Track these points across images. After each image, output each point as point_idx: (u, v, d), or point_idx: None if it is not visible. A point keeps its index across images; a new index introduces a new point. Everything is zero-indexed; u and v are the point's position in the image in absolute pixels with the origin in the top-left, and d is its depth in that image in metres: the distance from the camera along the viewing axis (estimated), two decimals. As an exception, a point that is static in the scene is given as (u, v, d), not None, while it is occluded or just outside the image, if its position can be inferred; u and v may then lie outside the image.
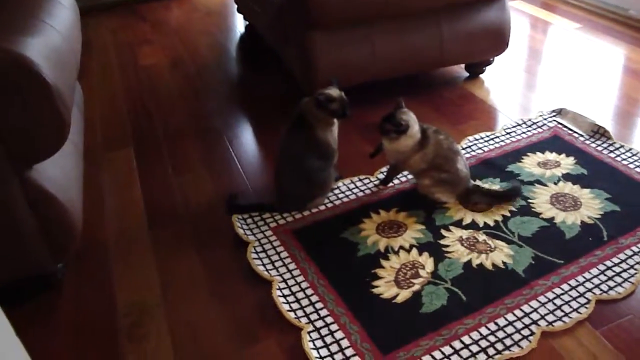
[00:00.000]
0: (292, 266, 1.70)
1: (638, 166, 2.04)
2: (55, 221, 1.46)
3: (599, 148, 2.16)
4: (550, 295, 1.55)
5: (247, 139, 2.44)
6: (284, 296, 1.59)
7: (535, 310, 1.50)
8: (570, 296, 1.54)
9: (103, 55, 3.33)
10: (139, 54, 3.30)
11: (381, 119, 1.84)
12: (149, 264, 1.77)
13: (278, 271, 1.68)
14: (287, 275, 1.66)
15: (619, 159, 2.08)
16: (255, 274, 1.68)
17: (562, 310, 1.50)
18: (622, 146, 2.15)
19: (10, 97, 1.28)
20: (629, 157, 2.09)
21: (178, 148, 2.36)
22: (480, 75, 2.80)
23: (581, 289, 1.56)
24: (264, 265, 1.70)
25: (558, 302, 1.52)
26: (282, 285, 1.63)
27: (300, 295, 1.60)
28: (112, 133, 2.51)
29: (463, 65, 2.81)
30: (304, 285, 1.63)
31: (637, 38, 3.13)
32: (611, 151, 2.13)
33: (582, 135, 2.24)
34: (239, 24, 3.70)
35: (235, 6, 3.56)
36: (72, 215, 1.51)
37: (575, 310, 1.50)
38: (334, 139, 1.94)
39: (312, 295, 1.59)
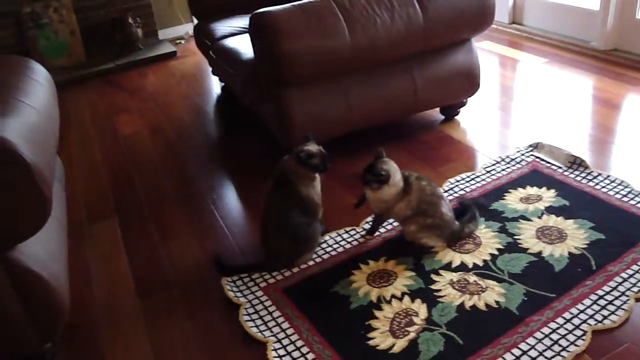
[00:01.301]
0: (285, 325, 1.67)
1: (617, 192, 2.07)
2: (41, 300, 1.43)
3: (578, 178, 2.19)
4: (546, 330, 1.54)
5: (230, 199, 2.44)
6: (280, 356, 1.56)
7: (533, 347, 1.49)
8: (566, 329, 1.53)
9: (82, 127, 3.35)
10: (118, 123, 3.33)
11: (362, 170, 1.86)
12: (140, 334, 1.74)
13: (272, 331, 1.66)
14: (281, 335, 1.64)
15: (598, 187, 2.12)
16: (249, 336, 1.65)
17: (560, 345, 1.49)
18: (599, 174, 2.19)
19: (-11, 180, 1.28)
20: (608, 184, 2.12)
21: (162, 214, 2.35)
22: (456, 117, 2.86)
23: (576, 321, 1.55)
24: (257, 326, 1.68)
25: (555, 336, 1.52)
26: (277, 345, 1.61)
27: (296, 354, 1.57)
28: (95, 205, 2.50)
29: (438, 109, 2.86)
30: (299, 344, 1.60)
31: (601, 68, 3.23)
32: (590, 180, 2.17)
33: (560, 167, 2.28)
34: (215, 85, 3.76)
35: (210, 69, 3.63)
36: (59, 293, 1.48)
37: (573, 343, 1.49)
38: (317, 194, 1.95)
39: (308, 353, 1.57)
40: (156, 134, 3.14)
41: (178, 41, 4.83)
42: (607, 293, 1.64)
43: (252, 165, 2.67)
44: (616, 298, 1.61)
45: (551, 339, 1.51)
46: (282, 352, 1.58)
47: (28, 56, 4.20)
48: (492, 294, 1.69)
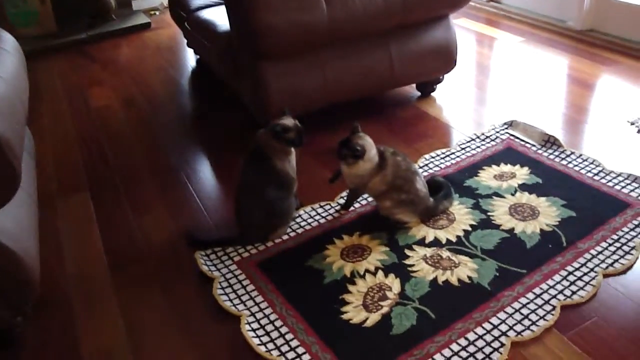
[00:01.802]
0: (259, 299, 1.67)
1: (589, 171, 2.10)
2: (10, 273, 1.41)
3: (551, 157, 2.22)
4: (516, 305, 1.57)
5: (205, 173, 2.41)
6: (254, 330, 1.57)
7: (504, 321, 1.52)
8: (536, 304, 1.56)
9: (53, 99, 3.27)
10: (90, 96, 3.25)
11: (338, 145, 1.85)
12: (112, 309, 1.72)
13: (245, 305, 1.66)
14: (255, 309, 1.64)
15: (570, 165, 2.15)
16: (223, 310, 1.65)
17: (530, 319, 1.52)
18: (572, 153, 2.22)
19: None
20: (580, 162, 2.16)
21: (136, 189, 2.32)
22: (432, 94, 2.86)
23: (546, 297, 1.58)
24: (230, 300, 1.68)
25: (525, 311, 1.54)
26: (251, 319, 1.61)
27: (269, 327, 1.57)
28: (66, 178, 2.45)
29: (414, 85, 2.86)
30: (272, 317, 1.61)
31: (577, 48, 3.26)
32: (562, 159, 2.20)
33: (534, 145, 2.30)
34: (190, 58, 3.69)
35: (185, 41, 3.56)
36: (28, 266, 1.46)
37: (542, 317, 1.52)
38: (293, 168, 1.94)
39: (281, 327, 1.57)
40: (129, 106, 3.08)
41: (152, 12, 4.72)
42: (577, 269, 1.67)
43: (227, 140, 2.64)
44: (585, 274, 1.65)
45: (521, 313, 1.54)
46: (255, 325, 1.58)
47: (-5, 24, 4.09)
48: (465, 269, 1.71)
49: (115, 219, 2.14)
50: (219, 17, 2.65)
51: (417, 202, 1.90)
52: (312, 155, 2.36)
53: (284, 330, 1.56)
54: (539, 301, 1.57)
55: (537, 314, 1.53)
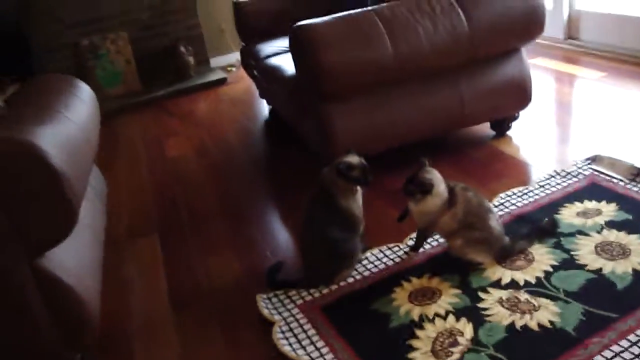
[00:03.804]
0: (320, 344, 1.58)
1: (688, 206, 1.88)
2: (68, 310, 1.40)
3: (642, 191, 2.02)
4: (608, 354, 1.38)
5: (272, 217, 2.39)
6: (313, 377, 1.47)
7: (594, 372, 1.34)
8: (632, 353, 1.37)
9: (131, 149, 3.41)
10: (166, 146, 3.36)
11: (405, 181, 1.77)
12: (173, 348, 1.69)
13: (305, 350, 1.57)
14: (316, 354, 1.55)
15: (665, 200, 1.94)
16: (283, 355, 1.57)
17: (624, 370, 1.33)
18: (667, 187, 2.01)
19: (18, 184, 1.27)
20: (677, 197, 1.94)
21: (203, 232, 2.32)
22: (508, 133, 2.73)
23: (643, 345, 1.39)
24: (290, 345, 1.59)
25: (618, 360, 1.36)
26: (311, 364, 1.51)
27: (330, 374, 1.47)
28: (137, 221, 2.51)
29: (488, 124, 2.74)
30: (333, 363, 1.51)
31: (666, 80, 3.02)
32: (656, 193, 1.99)
33: (621, 180, 2.11)
34: (264, 109, 3.76)
35: (258, 91, 3.64)
36: (88, 304, 1.45)
37: (639, 368, 1.32)
38: (358, 207, 1.87)
39: (343, 373, 1.47)
40: (203, 155, 3.15)
41: (229, 68, 4.90)
42: (679, 313, 1.46)
43: (296, 182, 2.62)
44: (690, 319, 1.44)
45: (614, 362, 1.35)
46: (315, 371, 1.49)
47: (86, 85, 4.39)
48: (546, 313, 1.54)
49: (182, 260, 2.14)
50: (285, 62, 2.68)
51: (491, 240, 1.76)
52: (380, 196, 2.28)
53: (345, 377, 1.45)
54: (636, 350, 1.38)
55: (633, 364, 1.34)
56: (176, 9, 4.69)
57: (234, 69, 4.90)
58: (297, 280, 1.85)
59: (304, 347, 1.58)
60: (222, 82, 4.56)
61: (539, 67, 3.54)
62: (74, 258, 1.49)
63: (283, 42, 3.14)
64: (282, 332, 1.64)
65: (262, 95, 3.61)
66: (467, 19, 2.27)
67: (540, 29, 2.43)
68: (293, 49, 2.28)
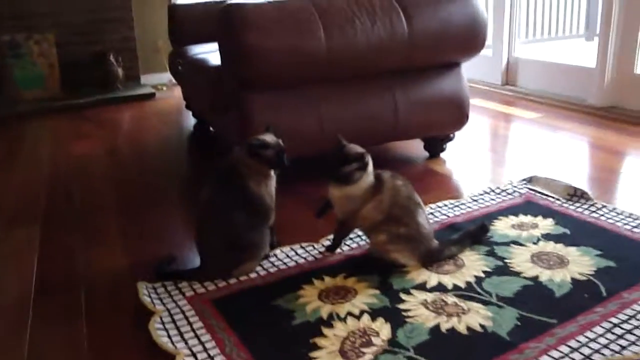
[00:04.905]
0: (205, 337, 1.29)
1: (626, 224, 1.74)
2: None
3: (579, 209, 1.87)
4: (545, 359, 1.16)
5: (171, 217, 2.09)
6: (189, 373, 1.17)
7: (529, 378, 1.11)
8: (572, 359, 1.15)
9: (35, 149, 3.06)
10: (75, 146, 3.03)
11: (328, 165, 1.53)
12: (17, 340, 1.33)
13: (186, 343, 1.27)
14: (198, 348, 1.25)
15: (603, 218, 1.80)
16: (157, 348, 1.26)
17: (564, 377, 1.10)
18: (604, 206, 1.87)
19: None
20: (615, 215, 1.80)
21: (92, 225, 2.00)
22: (441, 155, 2.58)
23: (586, 351, 1.18)
24: (169, 336, 1.29)
25: (557, 367, 1.13)
26: (189, 359, 1.21)
27: (211, 371, 1.17)
28: (19, 214, 2.15)
29: (422, 146, 2.58)
30: (218, 359, 1.21)
31: (600, 122, 3.00)
32: (593, 211, 1.85)
33: (558, 199, 1.96)
34: (190, 123, 3.49)
35: (184, 103, 3.40)
36: None
37: (582, 375, 1.11)
38: (270, 195, 1.62)
39: (227, 371, 1.17)
40: (111, 155, 2.84)
41: (160, 87, 4.64)
42: (624, 322, 1.27)
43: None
44: (636, 327, 1.24)
45: (553, 369, 1.13)
46: (193, 367, 1.18)
47: (0, 84, 4.01)
48: (476, 316, 1.32)
49: (61, 251, 1.81)
50: (211, 57, 2.46)
51: (418, 239, 1.54)
52: (295, 200, 2.05)
53: (230, 375, 1.16)
54: (577, 356, 1.17)
55: (574, 371, 1.12)
56: (112, 18, 4.44)
57: (164, 88, 4.64)
58: (190, 271, 1.56)
59: (185, 340, 1.28)
60: (149, 97, 4.29)
61: (477, 107, 3.47)
62: None
63: (213, 46, 2.94)
64: (162, 323, 1.34)
65: (187, 105, 3.37)
66: (407, 21, 2.14)
67: (481, 44, 2.34)
68: (220, 29, 2.06)
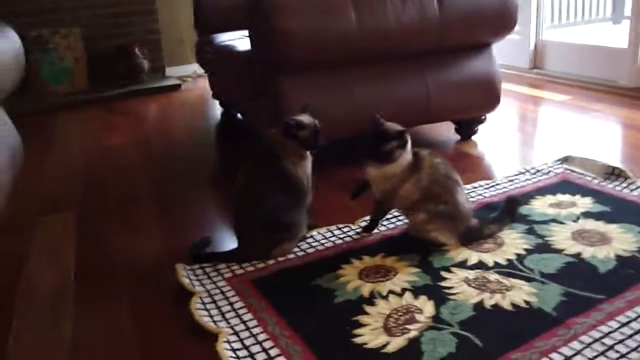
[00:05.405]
0: (247, 317, 1.29)
1: (670, 201, 1.70)
2: None
3: (618, 188, 1.84)
4: (595, 334, 1.14)
5: (206, 204, 2.10)
6: (234, 350, 1.17)
7: (579, 352, 1.09)
8: (623, 334, 1.13)
9: (66, 140, 3.09)
10: (105, 137, 3.06)
11: (367, 142, 1.51)
12: (61, 321, 1.35)
13: (228, 323, 1.27)
14: (240, 327, 1.25)
15: (645, 195, 1.76)
16: (201, 329, 1.26)
17: (617, 351, 1.08)
18: (646, 184, 1.83)
19: None
20: (657, 193, 1.76)
21: (128, 213, 2.01)
22: (473, 138, 2.55)
23: (636, 326, 1.15)
24: (210, 316, 1.29)
25: (608, 341, 1.11)
26: (233, 338, 1.21)
27: (255, 348, 1.18)
28: (52, 202, 2.17)
29: (453, 129, 2.56)
30: (261, 337, 1.21)
31: (632, 103, 2.93)
32: (633, 190, 1.81)
33: (595, 178, 1.93)
34: (217, 112, 3.50)
35: (211, 93, 3.41)
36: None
37: (635, 349, 1.08)
38: (307, 175, 1.62)
39: (271, 348, 1.17)
40: (141, 145, 2.85)
41: (185, 78, 4.66)
42: (674, 296, 1.24)
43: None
44: (687, 302, 1.22)
45: (604, 343, 1.11)
46: (237, 345, 1.19)
47: (29, 79, 4.06)
48: (520, 293, 1.30)
49: (97, 237, 1.82)
50: (240, 43, 2.46)
51: (457, 217, 1.53)
52: (331, 184, 2.04)
53: (274, 352, 1.16)
54: (627, 330, 1.14)
55: (626, 345, 1.10)
56: (137, 11, 4.46)
57: (189, 79, 4.66)
58: (228, 253, 1.56)
59: (227, 320, 1.28)
60: (175, 88, 4.30)
61: (506, 91, 3.39)
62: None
63: (240, 33, 2.93)
64: (202, 303, 1.34)
65: (214, 95, 3.38)
66: (438, 2, 2.11)
67: (512, 24, 2.30)
68: (250, 12, 2.06)
